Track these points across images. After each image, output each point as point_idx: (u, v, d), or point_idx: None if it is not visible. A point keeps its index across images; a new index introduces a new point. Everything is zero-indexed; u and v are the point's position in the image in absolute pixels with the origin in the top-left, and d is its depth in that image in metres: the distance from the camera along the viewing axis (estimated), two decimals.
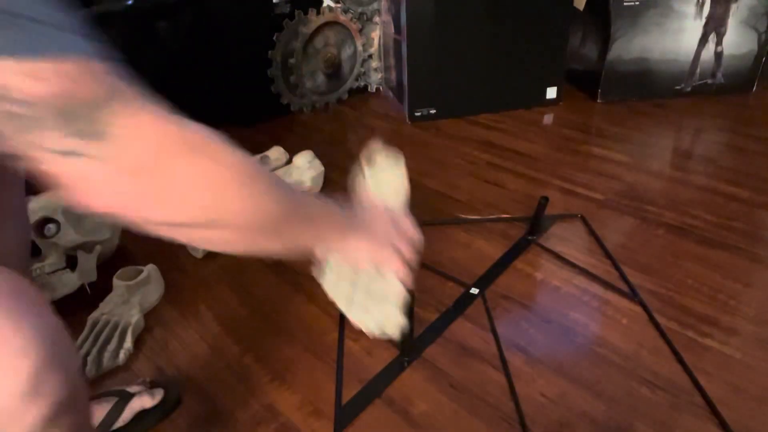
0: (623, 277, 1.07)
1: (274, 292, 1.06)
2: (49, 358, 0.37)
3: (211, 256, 1.17)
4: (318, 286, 0.64)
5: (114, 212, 0.37)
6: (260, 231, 0.45)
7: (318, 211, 0.53)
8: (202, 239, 0.48)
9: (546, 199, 1.09)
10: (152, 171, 0.36)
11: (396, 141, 1.72)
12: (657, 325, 0.95)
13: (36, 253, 1.01)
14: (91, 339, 0.93)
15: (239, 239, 0.45)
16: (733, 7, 1.84)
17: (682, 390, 0.83)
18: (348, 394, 0.84)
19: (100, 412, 0.78)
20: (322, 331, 0.97)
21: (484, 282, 1.07)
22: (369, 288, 0.62)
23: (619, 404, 0.81)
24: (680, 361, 0.87)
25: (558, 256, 1.13)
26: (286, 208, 0.47)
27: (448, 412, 0.81)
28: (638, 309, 0.99)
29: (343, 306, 0.63)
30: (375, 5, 1.98)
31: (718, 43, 1.90)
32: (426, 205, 1.34)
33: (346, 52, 1.98)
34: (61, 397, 0.38)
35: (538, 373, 0.87)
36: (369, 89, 2.13)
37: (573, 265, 1.11)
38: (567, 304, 1.01)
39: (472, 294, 1.04)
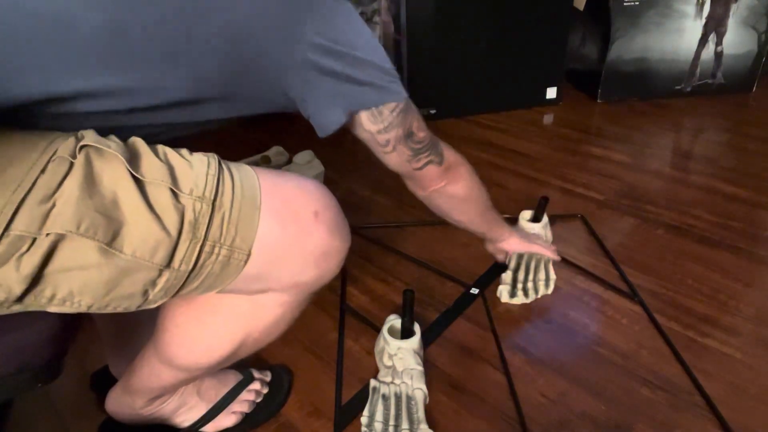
0: (623, 277, 1.07)
1: None
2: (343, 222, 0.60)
3: None
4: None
5: (436, 190, 0.79)
6: (483, 211, 0.89)
7: (496, 214, 0.94)
8: (460, 210, 0.86)
9: (546, 199, 1.09)
10: (454, 169, 0.79)
11: None
12: (657, 325, 0.95)
13: None
14: None
15: (475, 214, 0.89)
16: (733, 7, 1.84)
17: (682, 390, 0.83)
18: (348, 394, 0.84)
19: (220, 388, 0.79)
20: (322, 331, 0.97)
21: (484, 282, 1.07)
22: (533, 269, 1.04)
23: (619, 404, 0.81)
24: (680, 361, 0.87)
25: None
26: (489, 204, 0.90)
27: (448, 412, 0.81)
28: (638, 309, 0.99)
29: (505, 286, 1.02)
30: (375, 5, 1.98)
31: (718, 43, 1.90)
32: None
33: None
34: (345, 254, 0.60)
35: (538, 373, 0.87)
36: None
37: (573, 265, 1.11)
38: (567, 304, 1.01)
39: (472, 294, 1.04)
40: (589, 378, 0.85)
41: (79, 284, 0.46)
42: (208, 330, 0.61)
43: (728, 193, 1.37)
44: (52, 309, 0.47)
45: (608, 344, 0.92)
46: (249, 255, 0.52)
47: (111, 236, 0.45)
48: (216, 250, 0.50)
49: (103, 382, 0.80)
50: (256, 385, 0.80)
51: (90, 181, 0.45)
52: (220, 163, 0.52)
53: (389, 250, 1.18)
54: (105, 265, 0.45)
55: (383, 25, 2.00)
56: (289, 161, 1.45)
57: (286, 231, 0.53)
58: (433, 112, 1.84)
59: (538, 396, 0.83)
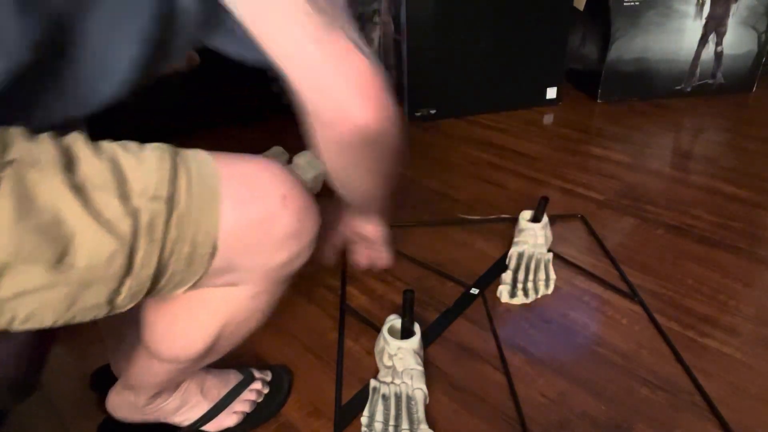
0: (623, 277, 1.07)
1: None
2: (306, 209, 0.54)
3: None
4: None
5: (374, 128, 0.52)
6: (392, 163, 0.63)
7: None
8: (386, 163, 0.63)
9: (546, 199, 1.09)
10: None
11: None
12: (657, 325, 0.95)
13: None
14: None
15: (392, 174, 0.65)
16: (733, 7, 1.84)
17: (682, 390, 0.83)
18: (348, 394, 0.84)
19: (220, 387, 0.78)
20: (322, 331, 0.97)
21: (484, 282, 1.07)
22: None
23: (619, 404, 0.81)
24: (680, 361, 0.87)
25: (558, 256, 1.13)
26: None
27: (448, 412, 0.81)
28: (638, 309, 0.99)
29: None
30: (375, 5, 1.98)
31: (718, 43, 1.90)
32: (426, 205, 1.34)
33: None
34: (315, 234, 0.56)
35: (538, 373, 0.87)
36: None
37: (573, 265, 1.11)
38: (567, 304, 1.01)
39: (472, 294, 1.04)
40: (589, 378, 0.85)
41: (37, 305, 0.43)
42: (183, 325, 0.60)
43: (728, 193, 1.37)
44: (17, 329, 0.44)
45: (608, 344, 0.92)
46: (215, 248, 0.49)
47: (59, 256, 0.42)
48: (177, 248, 0.47)
49: (104, 381, 0.80)
50: (257, 385, 0.80)
51: (23, 199, 0.40)
52: (173, 155, 0.48)
53: None
54: (59, 284, 0.43)
55: (383, 25, 2.00)
56: (289, 161, 1.45)
57: (253, 218, 0.51)
58: (433, 112, 1.84)
59: (538, 396, 0.83)
